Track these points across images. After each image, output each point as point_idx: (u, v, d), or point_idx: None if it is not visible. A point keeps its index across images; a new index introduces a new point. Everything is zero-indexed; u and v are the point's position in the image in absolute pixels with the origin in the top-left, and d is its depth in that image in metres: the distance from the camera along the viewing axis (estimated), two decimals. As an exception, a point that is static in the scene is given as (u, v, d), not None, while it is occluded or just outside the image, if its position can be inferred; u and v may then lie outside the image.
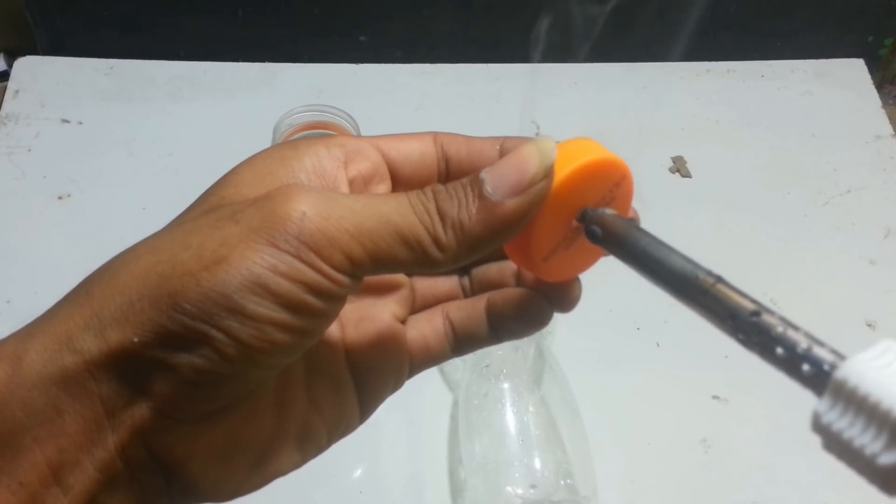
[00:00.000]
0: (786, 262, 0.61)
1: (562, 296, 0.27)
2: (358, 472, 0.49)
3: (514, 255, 0.25)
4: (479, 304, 0.27)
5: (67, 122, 0.66)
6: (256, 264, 0.21)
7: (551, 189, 0.23)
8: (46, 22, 0.71)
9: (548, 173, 0.23)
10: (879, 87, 0.75)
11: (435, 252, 0.22)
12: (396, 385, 0.28)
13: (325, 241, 0.21)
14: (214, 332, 0.21)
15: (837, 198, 0.65)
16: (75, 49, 0.71)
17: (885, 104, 0.72)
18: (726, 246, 0.62)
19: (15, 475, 0.21)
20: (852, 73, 0.74)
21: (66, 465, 0.22)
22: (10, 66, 0.71)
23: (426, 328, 0.27)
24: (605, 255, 0.27)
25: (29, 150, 0.64)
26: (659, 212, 0.64)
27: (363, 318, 0.27)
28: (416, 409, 0.52)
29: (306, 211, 0.22)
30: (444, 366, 0.54)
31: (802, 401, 0.58)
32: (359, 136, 0.27)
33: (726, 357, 0.56)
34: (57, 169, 0.63)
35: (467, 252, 0.23)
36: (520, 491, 0.44)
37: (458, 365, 0.53)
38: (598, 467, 0.46)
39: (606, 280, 0.61)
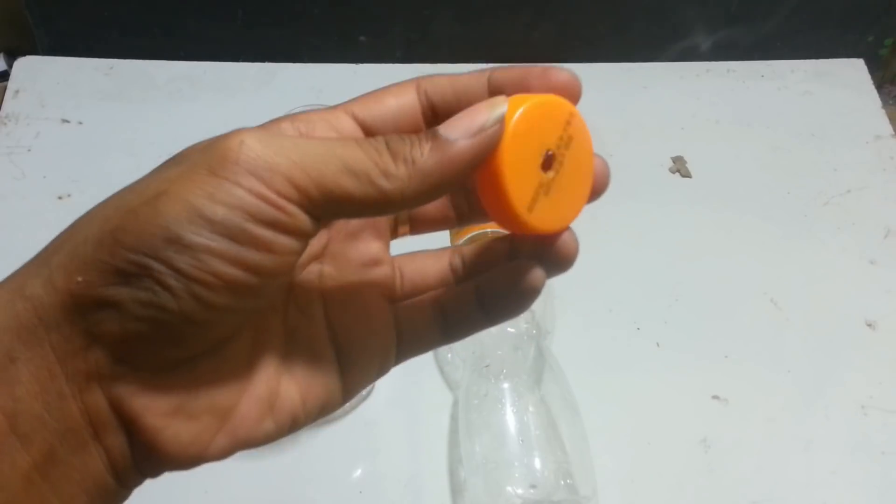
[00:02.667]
0: (786, 262, 0.61)
1: (557, 249, 0.26)
2: (358, 472, 0.49)
3: (503, 220, 0.25)
4: (468, 285, 0.27)
5: (67, 122, 0.66)
6: (193, 193, 0.21)
7: (505, 136, 0.23)
8: (46, 22, 0.71)
9: (498, 121, 0.23)
10: (879, 87, 0.75)
11: (384, 183, 0.22)
12: (382, 368, 0.27)
13: (266, 168, 0.21)
14: (154, 264, 0.21)
15: (837, 198, 0.65)
16: (75, 49, 0.71)
17: (885, 104, 0.72)
18: (726, 246, 0.62)
19: None
20: (852, 73, 0.74)
21: (22, 414, 0.21)
22: (10, 66, 0.71)
23: (415, 312, 0.27)
24: (589, 196, 0.27)
25: (29, 150, 0.64)
26: (659, 212, 0.64)
27: (350, 297, 0.27)
28: (416, 409, 0.52)
29: (246, 140, 0.21)
30: (443, 366, 0.54)
31: (802, 401, 0.58)
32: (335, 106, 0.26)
33: (726, 357, 0.56)
34: (57, 169, 0.63)
35: (418, 186, 0.23)
36: (520, 491, 0.44)
37: (458, 365, 0.53)
38: (598, 467, 0.46)
39: (606, 280, 0.61)
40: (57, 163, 0.63)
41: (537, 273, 0.26)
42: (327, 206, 0.22)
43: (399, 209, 0.23)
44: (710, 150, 0.68)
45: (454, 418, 0.51)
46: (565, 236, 0.26)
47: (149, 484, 0.51)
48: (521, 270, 0.26)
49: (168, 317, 0.21)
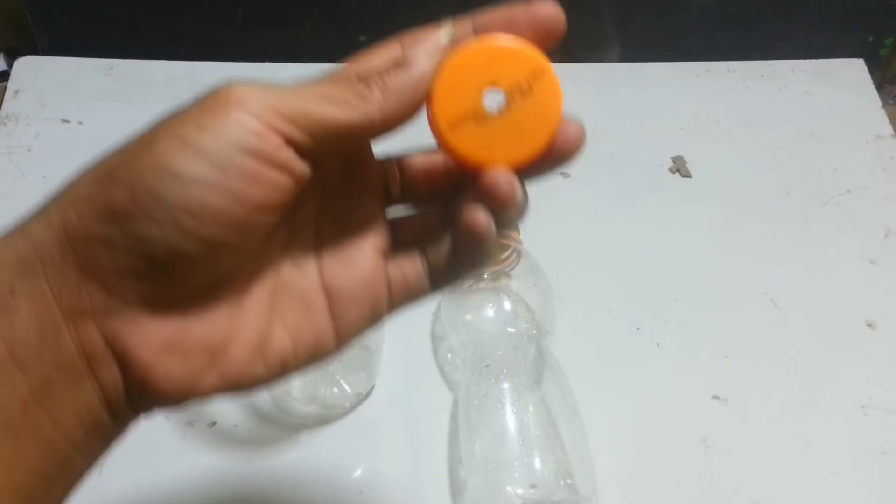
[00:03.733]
0: (786, 262, 0.61)
1: (484, 184, 0.26)
2: (358, 472, 0.49)
3: (433, 132, 0.26)
4: (446, 235, 0.28)
5: (67, 122, 0.66)
6: (185, 127, 0.22)
7: (452, 55, 0.25)
8: (46, 22, 0.71)
9: (448, 35, 0.26)
10: (879, 87, 0.75)
11: (363, 105, 0.24)
12: (374, 317, 0.28)
13: (255, 104, 0.22)
14: (144, 198, 0.22)
15: (837, 198, 0.65)
16: (75, 49, 0.71)
17: (885, 104, 0.72)
18: (726, 246, 0.62)
19: None
20: (852, 73, 0.74)
21: (20, 344, 0.22)
22: (10, 66, 0.71)
23: (405, 263, 0.28)
24: (537, 151, 0.28)
25: (29, 150, 0.64)
26: (659, 212, 0.64)
27: (342, 247, 0.27)
28: (416, 409, 0.52)
29: (235, 83, 0.23)
30: (443, 366, 0.54)
31: (802, 401, 0.58)
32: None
33: (726, 357, 0.56)
34: (57, 169, 0.62)
35: (394, 105, 0.24)
36: (520, 491, 0.44)
37: (458, 365, 0.53)
38: (598, 467, 0.46)
39: (606, 280, 0.61)
40: (57, 163, 0.63)
41: (477, 213, 0.26)
42: (314, 136, 0.23)
43: (381, 130, 0.25)
44: (710, 150, 0.68)
45: (454, 418, 0.51)
46: (498, 175, 0.26)
47: (148, 483, 0.51)
48: (470, 212, 0.26)
49: (158, 250, 0.22)
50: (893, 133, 0.70)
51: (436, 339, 0.55)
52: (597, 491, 0.45)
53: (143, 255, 0.22)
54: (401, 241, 0.28)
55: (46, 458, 0.23)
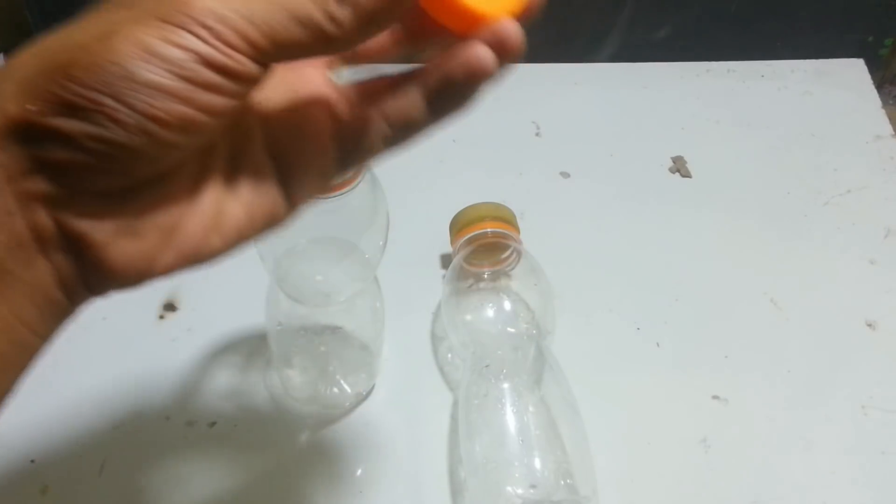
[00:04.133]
0: (786, 262, 0.61)
1: (495, 34, 0.27)
2: (358, 472, 0.49)
3: (453, 17, 0.27)
4: (409, 87, 0.29)
5: (67, 122, 0.66)
6: (147, 34, 0.22)
7: None
8: (46, 22, 0.71)
9: None
10: (879, 87, 0.75)
11: (331, 28, 0.24)
12: (322, 171, 0.28)
13: (217, 20, 0.22)
14: (107, 100, 0.22)
15: (837, 198, 0.65)
16: (75, 49, 0.71)
17: (885, 104, 0.72)
18: (726, 246, 0.62)
19: None
20: (852, 73, 0.74)
21: None
22: (10, 66, 0.71)
23: (357, 122, 0.28)
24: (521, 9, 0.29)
25: (29, 150, 0.64)
26: (659, 212, 0.64)
27: (287, 116, 0.27)
28: (416, 409, 0.52)
29: None
30: (443, 366, 0.54)
31: (802, 401, 0.58)
32: None
33: (726, 357, 0.56)
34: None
35: (365, 23, 0.24)
36: (520, 491, 0.44)
37: (458, 365, 0.53)
38: (598, 467, 0.46)
39: (606, 280, 0.61)
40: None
41: (482, 51, 0.27)
42: (277, 54, 0.23)
43: (346, 49, 0.25)
44: (710, 150, 0.68)
45: (454, 418, 0.51)
46: (508, 24, 0.28)
47: (148, 483, 0.51)
48: (470, 50, 0.27)
49: (117, 152, 0.22)
50: (893, 133, 0.70)
51: (436, 339, 0.55)
52: (597, 491, 0.45)
53: (101, 155, 0.22)
54: (351, 102, 0.29)
55: (2, 341, 0.24)
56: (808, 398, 0.54)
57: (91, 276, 0.24)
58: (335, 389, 0.51)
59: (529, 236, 0.55)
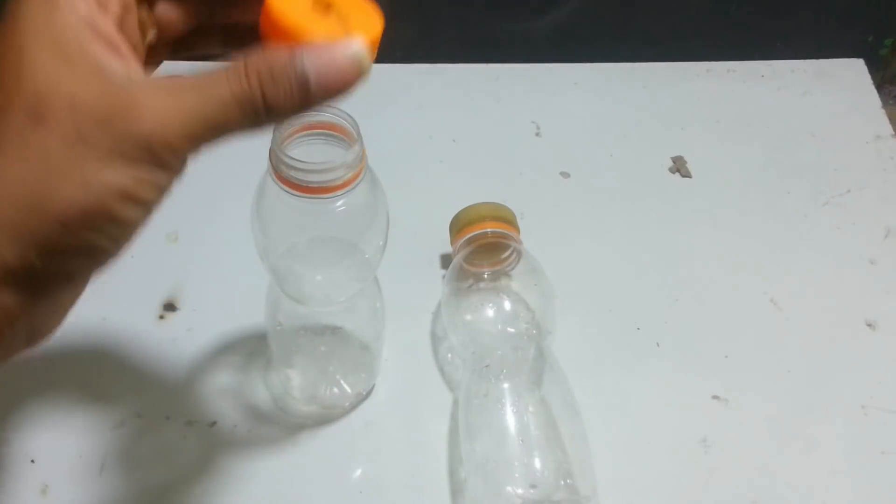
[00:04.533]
0: (786, 262, 0.61)
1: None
2: (358, 473, 0.49)
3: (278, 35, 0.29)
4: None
5: (67, 122, 0.66)
6: (119, 176, 0.25)
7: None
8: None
9: (363, 75, 0.28)
10: (879, 87, 0.75)
11: (258, 129, 0.28)
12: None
13: (168, 148, 0.26)
14: (100, 239, 0.26)
15: (837, 198, 0.65)
16: (75, 49, 0.71)
17: (885, 104, 0.72)
18: (726, 246, 0.62)
19: None
20: (852, 73, 0.74)
21: None
22: (10, 66, 0.70)
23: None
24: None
25: (29, 150, 0.64)
26: (659, 212, 0.64)
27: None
28: (416, 409, 0.52)
29: (148, 125, 0.25)
30: (443, 366, 0.54)
31: (802, 401, 0.58)
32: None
33: (726, 357, 0.56)
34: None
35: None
36: (520, 491, 0.44)
37: (458, 365, 0.53)
38: (598, 467, 0.46)
39: (606, 280, 0.61)
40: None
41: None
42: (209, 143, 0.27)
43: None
44: (710, 150, 0.68)
45: (454, 418, 0.51)
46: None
47: (148, 483, 0.51)
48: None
49: (94, 268, 0.27)
50: (893, 133, 0.70)
51: (436, 339, 0.55)
52: (597, 491, 0.45)
53: (81, 274, 0.27)
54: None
55: None
56: (808, 398, 0.54)
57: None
58: (335, 389, 0.51)
59: (529, 236, 0.55)
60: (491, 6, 0.72)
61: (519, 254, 0.53)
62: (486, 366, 0.49)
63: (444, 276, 0.55)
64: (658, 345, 0.56)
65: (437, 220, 0.57)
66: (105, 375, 0.52)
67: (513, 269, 0.53)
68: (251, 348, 0.53)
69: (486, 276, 0.53)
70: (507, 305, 0.52)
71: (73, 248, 0.25)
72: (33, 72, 0.25)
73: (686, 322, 0.57)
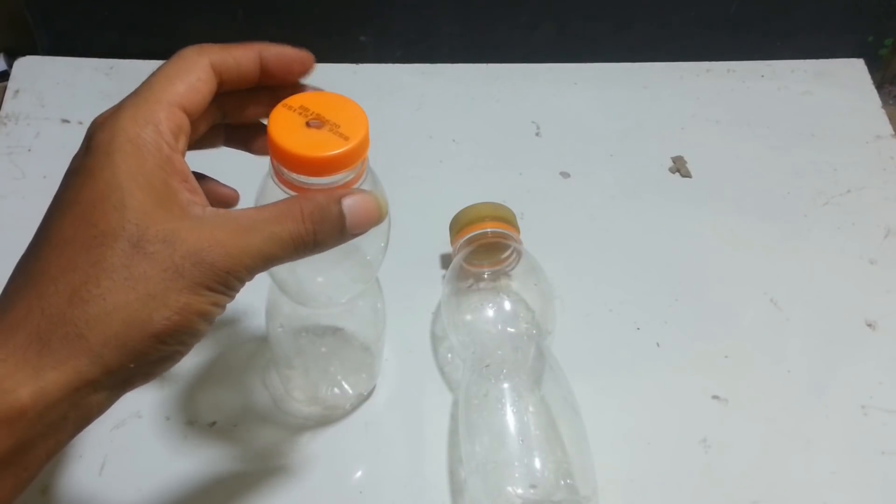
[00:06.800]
0: (786, 262, 0.61)
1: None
2: (358, 473, 0.49)
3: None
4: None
5: (67, 122, 0.66)
6: (200, 303, 0.30)
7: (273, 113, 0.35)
8: (46, 22, 0.71)
9: (382, 218, 0.36)
10: (879, 87, 0.75)
11: (309, 252, 0.34)
12: None
13: (239, 281, 0.31)
14: (181, 348, 0.31)
15: (837, 198, 0.65)
16: (75, 49, 0.71)
17: (885, 104, 0.72)
18: (726, 246, 0.62)
19: None
20: (852, 73, 0.74)
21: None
22: (10, 66, 0.71)
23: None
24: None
25: (29, 150, 0.64)
26: (659, 211, 0.64)
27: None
28: (416, 409, 0.52)
29: (227, 262, 0.30)
30: (443, 366, 0.54)
31: (802, 401, 0.58)
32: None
33: (726, 357, 0.56)
34: (57, 169, 0.62)
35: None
36: (520, 491, 0.44)
37: (458, 365, 0.53)
38: (598, 467, 0.46)
39: (606, 280, 0.61)
40: (57, 163, 0.63)
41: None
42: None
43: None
44: (710, 150, 0.68)
45: (454, 418, 0.51)
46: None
47: (148, 483, 0.51)
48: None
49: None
50: (893, 133, 0.70)
51: (436, 339, 0.55)
52: (597, 491, 0.45)
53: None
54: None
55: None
56: (808, 398, 0.54)
57: None
58: (336, 390, 0.51)
59: (529, 236, 0.55)
60: (491, 6, 0.72)
61: (519, 254, 0.53)
62: (487, 366, 0.49)
63: (444, 276, 0.55)
64: (658, 345, 0.56)
65: (437, 220, 0.57)
66: (105, 375, 0.52)
67: (513, 269, 0.54)
68: (251, 349, 0.53)
69: (486, 276, 0.53)
70: (507, 305, 0.52)
71: (161, 356, 0.30)
72: (134, 209, 0.29)
73: (686, 322, 0.57)
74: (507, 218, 0.54)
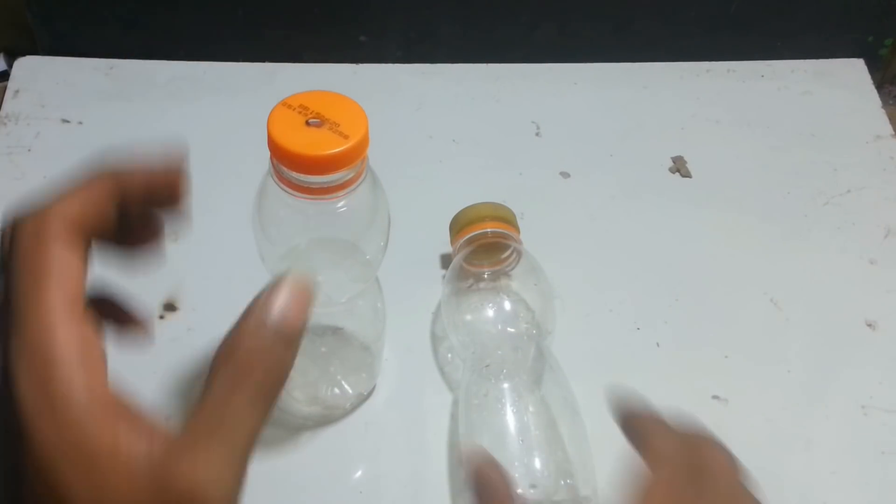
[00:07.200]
0: (786, 262, 0.61)
1: None
2: (358, 473, 0.49)
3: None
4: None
5: (67, 122, 0.66)
6: None
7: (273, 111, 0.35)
8: (46, 22, 0.71)
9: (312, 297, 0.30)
10: (879, 87, 0.75)
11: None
12: None
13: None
14: None
15: (837, 198, 0.65)
16: (75, 49, 0.71)
17: (885, 104, 0.72)
18: (726, 246, 0.62)
19: None
20: (852, 73, 0.74)
21: None
22: (10, 66, 0.70)
23: None
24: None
25: (29, 150, 0.64)
26: (659, 211, 0.64)
27: None
28: (416, 409, 0.52)
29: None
30: (443, 366, 0.54)
31: (802, 401, 0.58)
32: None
33: (726, 357, 0.56)
34: (57, 169, 0.62)
35: None
36: (519, 491, 0.44)
37: (458, 365, 0.53)
38: (598, 467, 0.46)
39: (606, 280, 0.61)
40: (57, 163, 0.63)
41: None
42: None
43: None
44: (710, 150, 0.68)
45: (454, 418, 0.51)
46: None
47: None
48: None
49: None
50: (893, 133, 0.70)
51: (436, 339, 0.55)
52: (597, 491, 0.45)
53: None
54: None
55: None
56: (808, 398, 0.54)
57: None
58: (336, 390, 0.51)
59: (529, 236, 0.55)
60: (491, 6, 0.72)
61: (519, 254, 0.53)
62: (487, 366, 0.49)
63: (443, 276, 0.55)
64: (658, 345, 0.56)
65: (437, 220, 0.57)
66: (105, 375, 0.52)
67: (513, 269, 0.53)
68: (251, 348, 0.53)
69: (486, 276, 0.53)
70: (507, 305, 0.52)
71: None
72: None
73: (686, 322, 0.57)
74: (506, 218, 0.54)
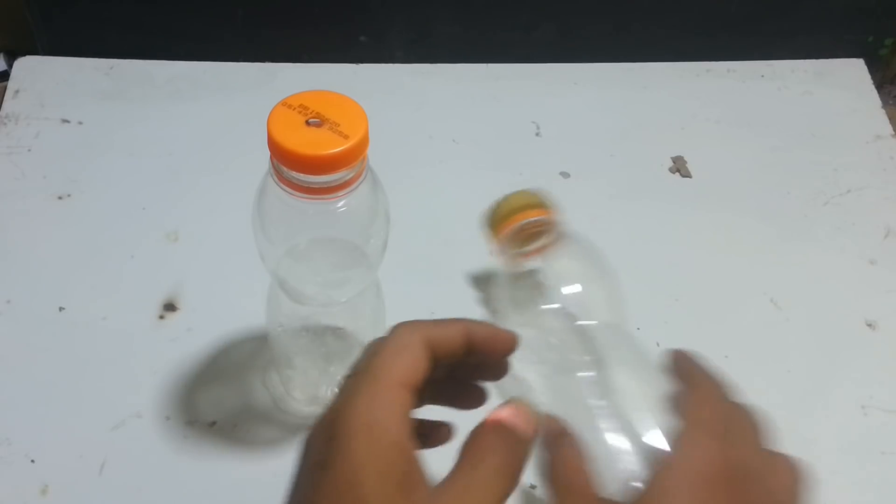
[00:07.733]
0: (786, 262, 0.61)
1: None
2: (358, 473, 0.49)
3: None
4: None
5: (67, 122, 0.66)
6: None
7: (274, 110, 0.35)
8: (46, 22, 0.71)
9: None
10: (879, 87, 0.75)
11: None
12: None
13: None
14: None
15: (837, 198, 0.65)
16: (75, 49, 0.71)
17: (885, 104, 0.72)
18: (726, 246, 0.62)
19: None
20: (852, 73, 0.74)
21: None
22: (10, 66, 0.71)
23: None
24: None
25: (29, 150, 0.64)
26: (659, 212, 0.64)
27: None
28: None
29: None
30: (444, 366, 0.54)
31: (802, 401, 0.58)
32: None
33: (726, 357, 0.55)
34: (57, 169, 0.63)
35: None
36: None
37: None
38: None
39: (606, 280, 0.61)
40: (57, 163, 0.63)
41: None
42: None
43: None
44: (710, 150, 0.68)
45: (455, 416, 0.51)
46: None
47: (148, 483, 0.51)
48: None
49: None
50: (893, 133, 0.70)
51: (436, 339, 0.55)
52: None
53: None
54: None
55: None
56: (807, 398, 0.54)
57: None
58: (336, 390, 0.51)
59: (529, 236, 0.55)
60: (491, 6, 0.72)
61: (560, 236, 0.50)
62: (559, 361, 0.47)
63: (482, 298, 0.55)
64: (658, 345, 0.56)
65: (437, 220, 0.57)
66: (105, 375, 0.52)
67: (557, 253, 0.50)
68: (251, 348, 0.53)
69: (536, 272, 0.50)
70: (564, 298, 0.49)
71: None
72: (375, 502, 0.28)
73: (686, 322, 0.57)
74: (543, 204, 0.52)
